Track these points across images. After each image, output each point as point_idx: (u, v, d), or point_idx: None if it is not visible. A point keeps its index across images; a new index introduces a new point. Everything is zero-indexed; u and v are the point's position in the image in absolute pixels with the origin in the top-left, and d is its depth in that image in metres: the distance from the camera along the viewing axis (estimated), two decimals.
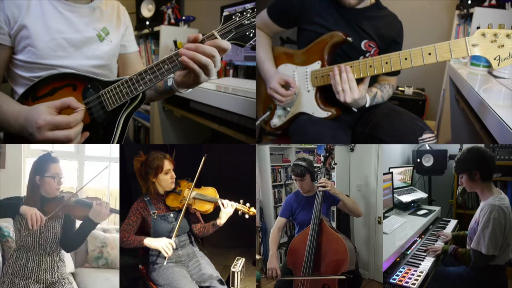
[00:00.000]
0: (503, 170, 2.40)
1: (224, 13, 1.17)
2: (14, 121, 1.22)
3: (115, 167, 1.87)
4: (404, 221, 2.13)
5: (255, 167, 2.19)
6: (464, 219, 2.39)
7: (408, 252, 1.74)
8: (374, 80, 1.77)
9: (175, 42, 3.06)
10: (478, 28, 1.28)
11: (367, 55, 1.67)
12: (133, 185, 1.75)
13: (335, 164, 1.79)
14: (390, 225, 2.01)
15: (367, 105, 1.63)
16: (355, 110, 1.65)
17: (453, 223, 2.24)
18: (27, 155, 2.16)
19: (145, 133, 3.52)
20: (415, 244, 1.83)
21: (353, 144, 2.44)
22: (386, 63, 1.43)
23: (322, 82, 1.62)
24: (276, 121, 1.81)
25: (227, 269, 1.61)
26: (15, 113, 1.23)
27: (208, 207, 1.54)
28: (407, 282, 1.46)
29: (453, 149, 2.66)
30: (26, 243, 1.37)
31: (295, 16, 1.72)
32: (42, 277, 1.39)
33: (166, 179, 1.55)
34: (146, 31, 3.36)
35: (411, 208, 2.46)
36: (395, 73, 1.68)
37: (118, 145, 1.34)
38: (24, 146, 2.13)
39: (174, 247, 1.46)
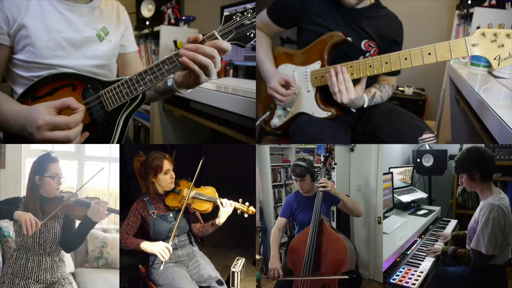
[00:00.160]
0: (503, 170, 2.40)
1: (225, 13, 1.16)
2: (13, 121, 1.22)
3: (115, 167, 1.87)
4: (404, 221, 2.13)
5: (255, 167, 2.19)
6: (464, 219, 2.39)
7: (408, 252, 1.74)
8: (374, 80, 1.76)
9: (175, 42, 3.06)
10: (478, 28, 1.28)
11: (367, 55, 1.66)
12: (133, 185, 1.75)
13: (335, 164, 1.79)
14: (390, 225, 2.01)
15: (365, 106, 1.63)
16: (354, 110, 1.65)
17: (453, 223, 2.24)
18: (27, 155, 2.16)
19: (145, 133, 3.51)
20: (415, 244, 1.83)
21: (353, 144, 2.44)
22: (386, 63, 1.43)
23: (322, 82, 1.62)
24: (276, 121, 1.81)
25: (227, 269, 1.61)
26: (14, 113, 1.22)
27: (207, 207, 1.53)
28: (407, 282, 1.46)
29: (453, 149, 2.66)
30: (26, 243, 1.37)
31: (295, 16, 1.71)
32: (42, 277, 1.39)
33: (165, 179, 1.55)
34: (146, 31, 3.35)
35: (411, 208, 2.46)
36: (395, 73, 1.68)
37: (118, 145, 1.34)
38: (24, 146, 2.13)
39: (171, 251, 1.45)
